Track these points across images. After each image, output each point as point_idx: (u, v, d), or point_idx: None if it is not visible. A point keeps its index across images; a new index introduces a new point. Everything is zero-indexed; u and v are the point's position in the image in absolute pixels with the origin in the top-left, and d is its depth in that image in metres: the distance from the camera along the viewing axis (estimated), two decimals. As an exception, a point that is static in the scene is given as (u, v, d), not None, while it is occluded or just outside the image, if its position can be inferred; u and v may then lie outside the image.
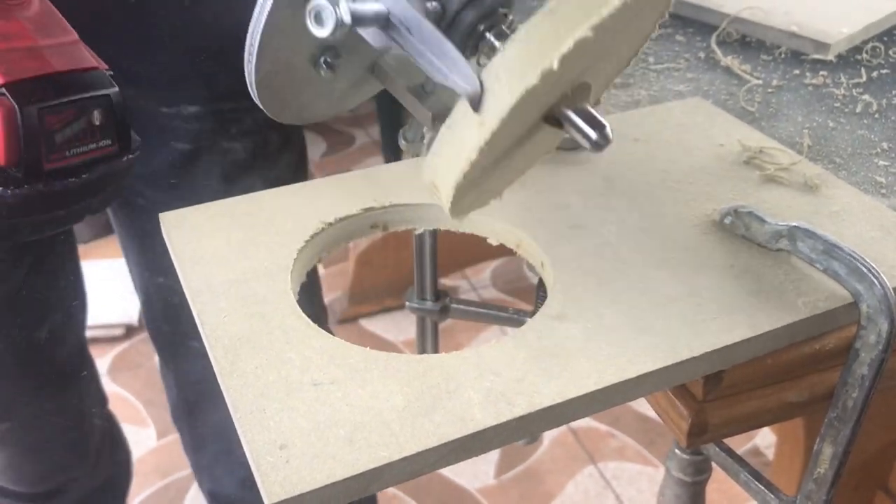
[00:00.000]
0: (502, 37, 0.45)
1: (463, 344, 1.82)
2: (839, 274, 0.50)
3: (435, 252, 0.73)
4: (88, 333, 1.13)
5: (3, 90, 0.47)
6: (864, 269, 0.49)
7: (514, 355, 0.46)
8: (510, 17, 0.46)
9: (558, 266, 0.53)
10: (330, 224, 0.57)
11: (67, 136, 0.50)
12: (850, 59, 0.86)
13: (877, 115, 0.75)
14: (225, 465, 1.14)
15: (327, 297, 1.95)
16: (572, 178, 0.62)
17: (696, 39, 0.91)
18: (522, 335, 0.48)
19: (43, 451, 1.05)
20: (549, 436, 1.63)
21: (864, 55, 0.86)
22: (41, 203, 0.51)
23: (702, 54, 0.87)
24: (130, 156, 0.54)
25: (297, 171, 1.02)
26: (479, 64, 0.44)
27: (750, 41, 0.90)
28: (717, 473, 0.73)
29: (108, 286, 1.85)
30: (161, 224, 0.57)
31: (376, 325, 1.90)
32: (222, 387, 0.45)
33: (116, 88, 0.52)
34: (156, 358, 1.82)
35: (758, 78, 0.82)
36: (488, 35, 0.45)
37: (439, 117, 0.49)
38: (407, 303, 0.76)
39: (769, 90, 0.80)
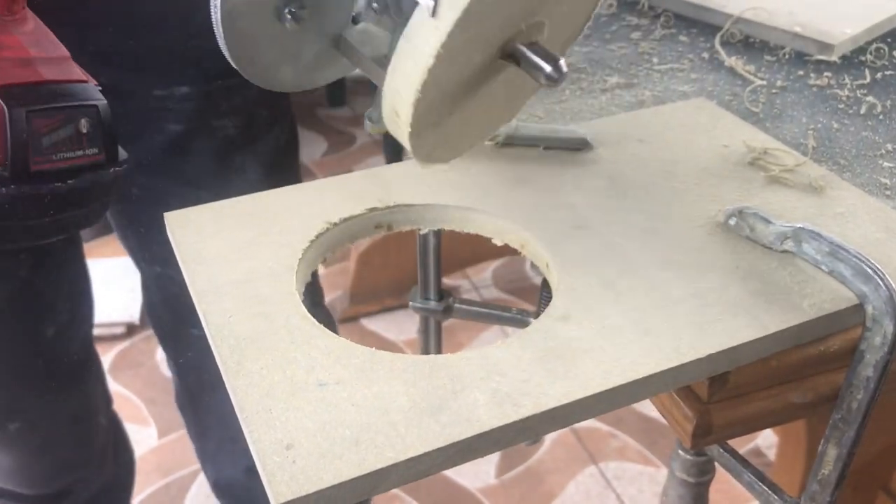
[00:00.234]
0: None
1: (464, 343, 1.82)
2: (844, 275, 0.50)
3: (439, 252, 0.73)
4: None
5: None
6: (869, 270, 0.49)
7: (520, 356, 0.46)
8: None
9: (563, 267, 0.53)
10: (334, 224, 0.57)
11: (54, 140, 0.51)
12: (853, 60, 0.86)
13: (881, 117, 0.75)
14: (229, 453, 1.14)
15: (328, 297, 1.95)
16: (577, 179, 0.62)
17: (700, 40, 0.91)
18: (528, 336, 0.48)
19: (51, 451, 1.06)
20: (550, 436, 1.63)
21: (868, 56, 0.86)
22: (28, 206, 0.52)
23: (705, 55, 0.87)
24: (118, 168, 0.55)
25: (288, 149, 1.02)
26: None
27: (753, 42, 0.90)
28: (719, 474, 0.73)
29: (109, 285, 1.85)
30: (166, 224, 0.57)
31: (377, 325, 1.90)
32: (228, 387, 0.45)
33: (104, 101, 0.54)
34: (157, 356, 1.83)
35: (762, 79, 0.82)
36: None
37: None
38: (410, 302, 0.76)
39: (773, 91, 0.80)
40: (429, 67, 0.42)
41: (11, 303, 0.90)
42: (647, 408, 1.67)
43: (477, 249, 2.01)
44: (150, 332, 1.71)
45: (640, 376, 0.45)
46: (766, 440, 1.59)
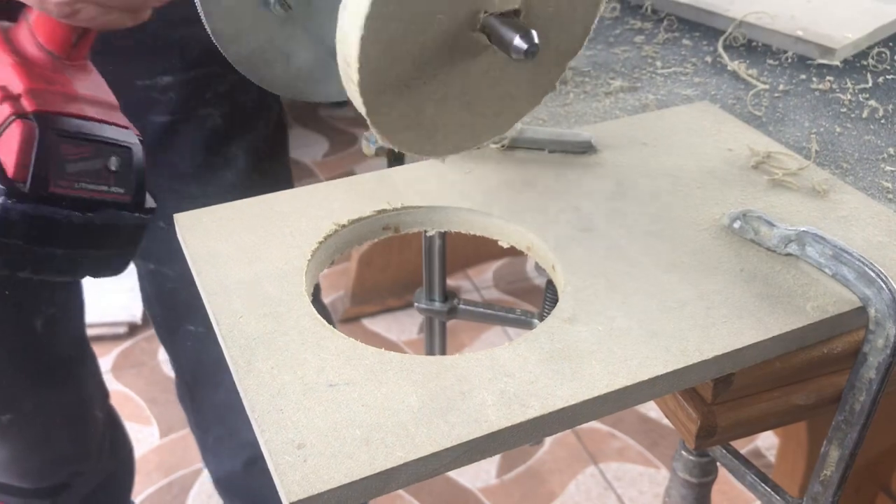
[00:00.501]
0: None
1: (466, 343, 1.82)
2: (847, 278, 0.51)
3: (444, 253, 0.73)
4: (92, 331, 1.14)
5: (31, 116, 0.50)
6: (872, 273, 0.50)
7: (527, 357, 0.47)
8: None
9: (569, 269, 0.54)
10: (343, 226, 0.58)
11: (80, 168, 0.52)
12: (856, 64, 0.87)
13: (883, 121, 0.76)
14: (228, 447, 1.15)
15: (329, 297, 1.95)
16: (582, 182, 0.62)
17: (703, 44, 0.91)
18: (535, 337, 0.48)
19: (46, 443, 1.06)
20: (551, 436, 1.64)
21: (870, 60, 0.87)
22: (41, 228, 0.52)
23: (708, 59, 0.88)
24: (143, 215, 0.55)
25: (276, 138, 1.03)
26: None
27: (756, 46, 0.91)
28: (719, 475, 0.74)
29: (111, 284, 1.85)
30: (175, 225, 0.57)
31: (378, 325, 1.90)
32: (239, 387, 0.45)
33: (141, 147, 0.55)
34: (159, 356, 1.83)
35: (764, 83, 0.82)
36: None
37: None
38: (416, 303, 0.77)
39: (776, 95, 0.80)
40: None
41: None
42: (647, 408, 1.67)
43: (478, 250, 2.01)
44: (151, 331, 1.71)
45: (647, 378, 0.46)
46: (766, 441, 1.60)
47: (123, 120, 0.56)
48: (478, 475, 1.56)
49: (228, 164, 0.98)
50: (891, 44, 0.91)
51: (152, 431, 1.65)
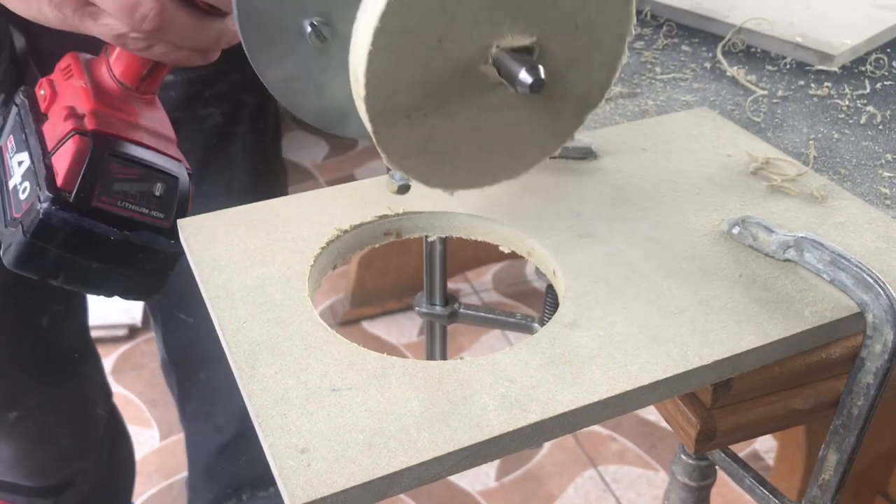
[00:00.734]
0: None
1: (465, 346, 1.83)
2: (846, 284, 0.51)
3: (445, 257, 0.74)
4: (92, 334, 1.15)
5: (89, 133, 0.54)
6: (870, 279, 0.50)
7: (529, 362, 0.47)
8: None
9: (570, 274, 0.54)
10: (345, 231, 0.58)
11: (125, 189, 0.55)
12: (854, 70, 0.87)
13: (881, 127, 0.76)
14: (203, 429, 1.17)
15: (329, 299, 1.96)
16: (582, 187, 0.63)
17: (702, 49, 0.92)
18: (536, 342, 0.49)
19: (50, 441, 1.07)
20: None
21: (868, 66, 0.88)
22: (78, 239, 0.54)
23: (707, 64, 0.88)
24: (178, 244, 0.58)
25: (275, 139, 1.04)
26: None
27: (755, 51, 0.91)
28: (717, 478, 0.74)
29: (111, 287, 1.86)
30: (179, 231, 0.58)
31: (378, 328, 1.91)
32: (243, 392, 0.46)
33: (188, 179, 0.58)
34: (158, 358, 1.83)
35: (763, 88, 0.83)
36: None
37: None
38: (416, 307, 0.77)
39: (774, 101, 0.81)
40: (383, 10, 0.39)
41: (5, 292, 0.91)
42: (646, 411, 1.68)
43: (478, 253, 2.02)
44: (151, 334, 1.71)
45: (647, 383, 0.46)
46: (765, 444, 1.60)
47: (177, 153, 0.59)
48: (477, 478, 1.56)
49: (228, 162, 0.99)
50: (889, 50, 0.92)
51: (152, 434, 1.66)
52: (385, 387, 0.46)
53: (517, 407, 0.45)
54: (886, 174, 0.69)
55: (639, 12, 1.00)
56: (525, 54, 0.44)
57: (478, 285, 2.03)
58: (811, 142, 0.74)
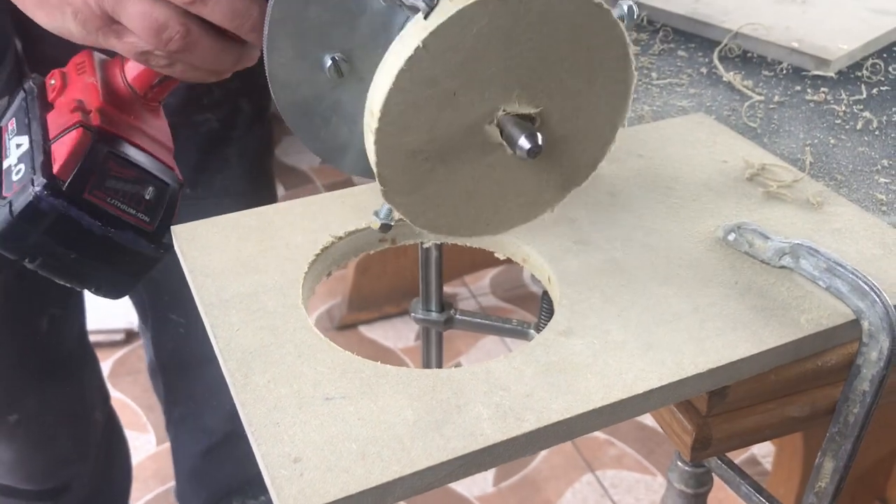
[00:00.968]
0: None
1: (462, 351, 1.82)
2: (841, 291, 0.51)
3: (440, 264, 0.74)
4: (89, 338, 1.15)
5: (92, 129, 0.55)
6: (865, 286, 0.50)
7: (523, 371, 0.47)
8: None
9: (565, 281, 0.54)
10: (339, 238, 0.58)
11: (117, 187, 0.56)
12: (850, 75, 0.87)
13: (877, 132, 0.76)
14: (191, 432, 1.16)
15: (326, 304, 1.95)
16: (578, 194, 0.62)
17: (699, 55, 0.92)
18: (530, 350, 0.49)
19: (49, 444, 1.07)
20: (547, 444, 1.64)
21: (865, 72, 0.88)
22: (63, 226, 0.54)
23: (704, 70, 0.88)
24: (160, 249, 0.59)
25: (269, 145, 1.04)
26: None
27: (751, 57, 0.91)
28: (714, 484, 0.74)
29: (108, 291, 1.85)
30: (173, 238, 0.57)
31: (375, 332, 1.90)
32: (236, 400, 0.46)
33: (178, 189, 0.60)
34: (146, 362, 1.82)
35: (759, 94, 0.83)
36: None
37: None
38: (412, 313, 0.77)
39: (770, 106, 0.81)
40: (409, 56, 0.42)
41: (5, 294, 0.91)
42: (643, 416, 1.67)
43: (475, 258, 2.02)
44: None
45: (643, 391, 0.46)
46: (763, 449, 1.60)
47: (172, 162, 0.61)
48: (474, 483, 1.56)
49: (223, 168, 0.99)
50: (885, 55, 0.92)
51: (149, 439, 1.65)
52: (378, 395, 0.45)
53: (511, 416, 0.44)
54: (883, 180, 0.69)
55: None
56: (527, 122, 0.47)
57: (475, 289, 2.03)
58: (807, 147, 0.73)
